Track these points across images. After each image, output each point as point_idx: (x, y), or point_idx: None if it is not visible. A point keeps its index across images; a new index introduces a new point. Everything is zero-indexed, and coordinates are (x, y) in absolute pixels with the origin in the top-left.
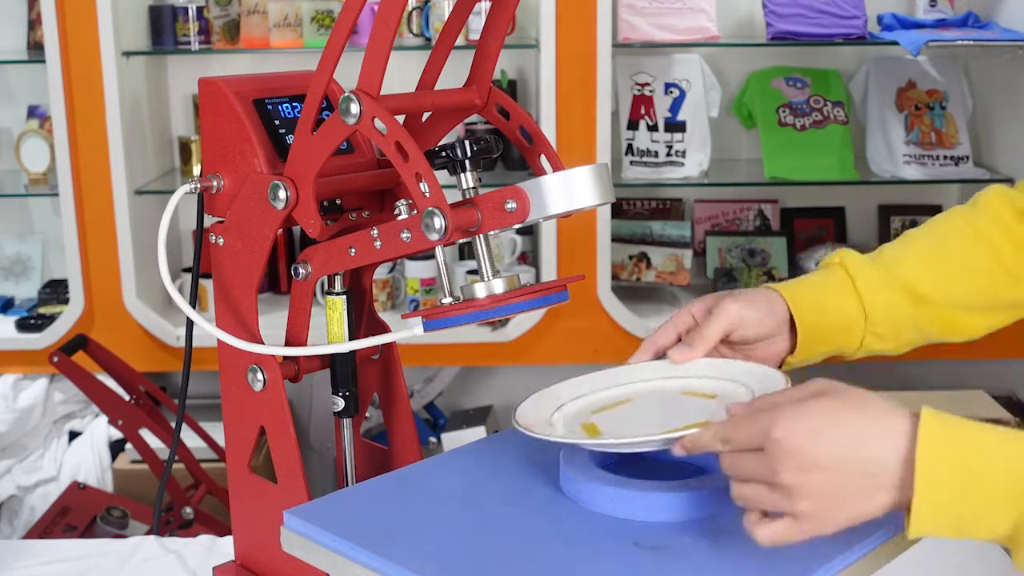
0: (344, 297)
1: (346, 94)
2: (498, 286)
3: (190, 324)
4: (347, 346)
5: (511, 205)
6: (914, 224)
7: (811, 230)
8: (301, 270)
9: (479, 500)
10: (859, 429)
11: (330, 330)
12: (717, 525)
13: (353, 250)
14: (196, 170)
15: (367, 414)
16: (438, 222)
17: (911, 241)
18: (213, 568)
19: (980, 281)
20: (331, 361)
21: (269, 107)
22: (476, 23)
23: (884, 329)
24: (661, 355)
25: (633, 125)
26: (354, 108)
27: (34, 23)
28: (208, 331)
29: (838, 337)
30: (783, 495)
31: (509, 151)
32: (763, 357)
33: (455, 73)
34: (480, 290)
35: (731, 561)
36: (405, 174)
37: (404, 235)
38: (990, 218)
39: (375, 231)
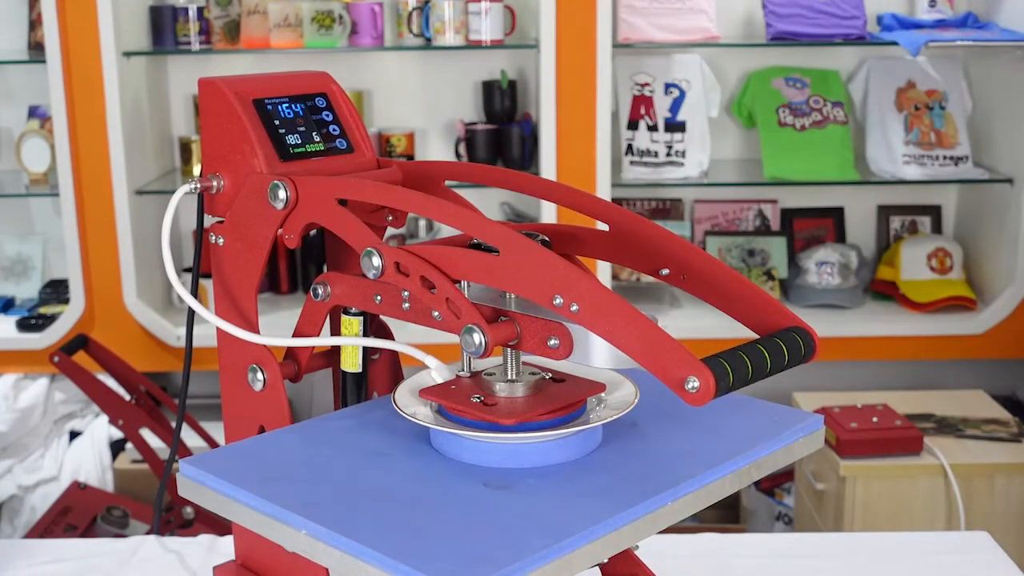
0: (361, 319)
1: (368, 248)
2: (520, 389)
3: (191, 323)
4: (356, 341)
5: (554, 342)
6: (914, 225)
7: (811, 230)
8: (320, 291)
9: (359, 449)
10: None
11: (344, 350)
12: (564, 470)
13: (379, 298)
14: (196, 170)
15: None
16: (478, 339)
17: None
18: (213, 568)
19: None
20: (341, 383)
21: (269, 107)
22: (476, 23)
23: None
24: None
25: (633, 125)
26: (376, 261)
27: (35, 23)
28: (212, 322)
29: None
30: None
31: (510, 151)
32: None
33: (455, 73)
34: (502, 390)
35: (565, 496)
36: (435, 304)
37: (435, 314)
38: None
39: (406, 293)
